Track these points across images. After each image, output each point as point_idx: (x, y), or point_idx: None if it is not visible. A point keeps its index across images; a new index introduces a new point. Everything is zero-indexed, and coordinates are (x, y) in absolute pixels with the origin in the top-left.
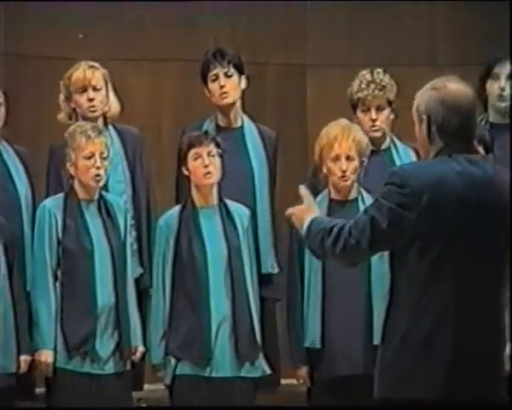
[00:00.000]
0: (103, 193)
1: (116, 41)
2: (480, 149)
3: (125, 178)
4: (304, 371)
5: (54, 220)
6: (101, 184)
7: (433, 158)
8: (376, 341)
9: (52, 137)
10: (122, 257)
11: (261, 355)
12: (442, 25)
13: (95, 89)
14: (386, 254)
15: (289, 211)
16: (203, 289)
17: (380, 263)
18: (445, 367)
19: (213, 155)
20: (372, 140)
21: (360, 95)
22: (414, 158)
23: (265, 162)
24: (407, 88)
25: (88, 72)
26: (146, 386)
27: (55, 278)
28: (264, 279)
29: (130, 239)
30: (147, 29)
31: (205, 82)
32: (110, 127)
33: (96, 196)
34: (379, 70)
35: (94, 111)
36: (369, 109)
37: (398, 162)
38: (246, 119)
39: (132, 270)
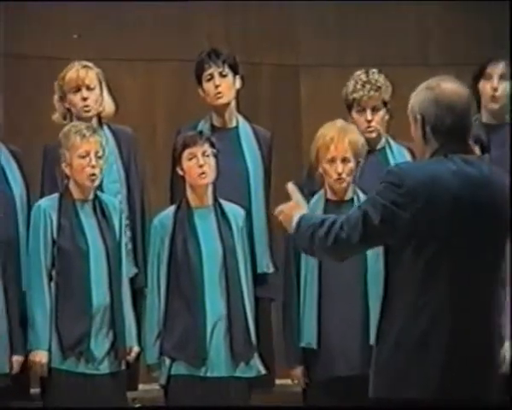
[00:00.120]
0: (98, 193)
1: (111, 41)
2: (477, 149)
3: (120, 178)
4: (299, 371)
5: (49, 220)
6: (97, 183)
7: (429, 158)
8: (372, 341)
9: (52, 137)
10: (117, 257)
11: (256, 355)
12: (435, 24)
13: (88, 88)
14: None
15: (278, 209)
16: (198, 289)
17: (376, 262)
18: (440, 367)
19: (208, 155)
20: (367, 140)
21: (355, 95)
22: (408, 158)
23: (260, 162)
24: (401, 88)
25: (81, 71)
26: (141, 386)
27: (50, 278)
28: (259, 279)
29: (125, 239)
30: (141, 29)
31: (199, 82)
32: (105, 127)
33: (91, 196)
34: (374, 70)
35: (88, 111)
36: (364, 110)
37: (392, 162)
38: (240, 119)
39: (127, 270)
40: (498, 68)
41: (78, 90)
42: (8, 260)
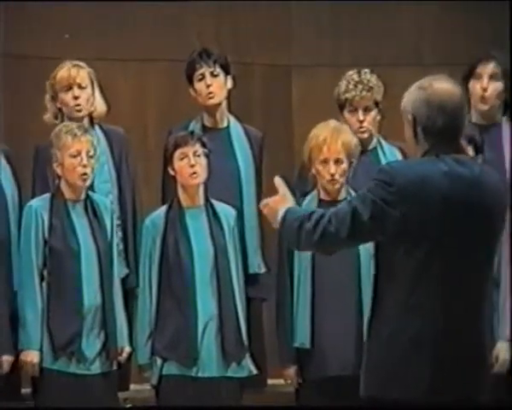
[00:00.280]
0: (90, 193)
1: (103, 41)
2: (470, 150)
3: (111, 178)
4: (292, 371)
5: (40, 220)
6: (88, 183)
7: (421, 158)
8: None
9: None
10: (108, 257)
11: (247, 355)
12: (428, 24)
13: (80, 87)
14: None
15: (264, 202)
16: (189, 289)
17: (370, 262)
18: (431, 367)
19: (199, 155)
20: (359, 140)
21: (347, 95)
22: (400, 157)
23: (251, 162)
24: (394, 88)
25: (73, 70)
26: (132, 386)
27: (42, 278)
28: (250, 279)
29: (117, 239)
30: (132, 29)
31: (190, 82)
32: (96, 127)
33: (83, 196)
34: (366, 70)
35: (79, 110)
36: (356, 110)
37: (384, 162)
38: (232, 119)
39: (118, 270)
40: (488, 68)
41: (69, 88)
42: (0, 260)
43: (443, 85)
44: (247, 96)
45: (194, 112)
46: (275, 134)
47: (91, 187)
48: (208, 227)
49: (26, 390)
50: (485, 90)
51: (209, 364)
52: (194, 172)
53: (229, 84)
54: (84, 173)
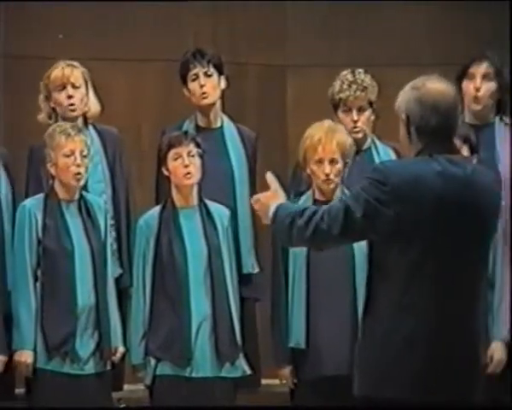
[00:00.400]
0: (83, 193)
1: (97, 41)
2: (466, 149)
3: (105, 178)
4: (287, 371)
5: (34, 220)
6: (82, 183)
7: (415, 157)
8: None
9: None
10: (102, 257)
11: (241, 355)
12: (423, 24)
13: (74, 86)
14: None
15: (255, 197)
16: (183, 289)
17: (364, 261)
18: (425, 367)
19: (193, 156)
20: (353, 140)
21: (342, 95)
22: (394, 157)
23: (245, 163)
24: (388, 88)
25: (66, 69)
26: (126, 386)
27: (35, 278)
28: (244, 279)
29: (110, 239)
30: (127, 29)
31: (184, 82)
32: (90, 127)
33: (77, 196)
34: (360, 70)
35: (73, 110)
36: (350, 110)
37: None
38: (225, 119)
39: (112, 270)
40: (481, 68)
41: (63, 88)
42: None
43: (436, 85)
44: (242, 97)
45: (188, 112)
46: (269, 134)
47: (85, 187)
48: (202, 227)
49: (19, 390)
50: (478, 90)
51: (203, 364)
52: (189, 173)
53: (223, 84)
54: (78, 173)
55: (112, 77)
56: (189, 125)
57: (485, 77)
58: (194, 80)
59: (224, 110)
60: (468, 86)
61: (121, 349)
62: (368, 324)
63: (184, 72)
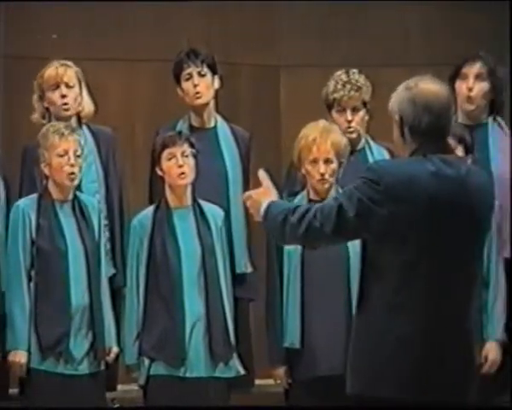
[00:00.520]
0: (77, 193)
1: (91, 41)
2: (461, 149)
3: (99, 177)
4: (282, 371)
5: (28, 220)
6: (76, 182)
7: (409, 157)
8: None
9: None
10: (96, 257)
11: (235, 356)
12: (418, 25)
13: (67, 86)
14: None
15: (246, 194)
16: (177, 289)
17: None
18: (419, 366)
19: (187, 156)
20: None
21: (336, 95)
22: (388, 158)
23: (239, 163)
24: (382, 88)
25: (60, 69)
26: (120, 386)
27: (29, 279)
28: (237, 279)
29: (104, 239)
30: (121, 29)
31: (178, 81)
32: (84, 127)
33: (70, 197)
34: (354, 71)
35: (67, 109)
36: (344, 110)
37: None
38: (219, 119)
39: (106, 270)
40: (474, 68)
41: (56, 87)
42: None
43: (429, 85)
44: (235, 97)
45: (181, 112)
46: (262, 134)
47: (79, 187)
48: (196, 227)
49: (13, 391)
50: (470, 90)
51: (197, 364)
52: (183, 173)
53: (217, 84)
54: (72, 173)
55: (106, 77)
56: (182, 125)
57: (478, 77)
58: (187, 80)
59: (217, 110)
60: (461, 86)
61: (115, 349)
62: (361, 323)
63: (178, 71)
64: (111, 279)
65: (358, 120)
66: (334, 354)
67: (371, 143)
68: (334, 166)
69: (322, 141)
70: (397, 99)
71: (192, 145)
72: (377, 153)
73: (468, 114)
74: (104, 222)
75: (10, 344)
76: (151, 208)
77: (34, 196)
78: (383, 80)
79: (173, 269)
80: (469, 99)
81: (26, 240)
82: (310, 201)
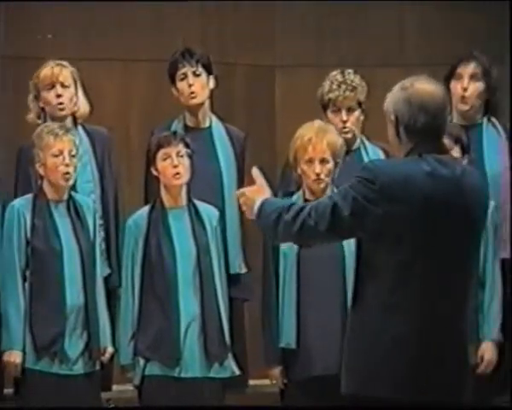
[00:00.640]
0: (72, 193)
1: (85, 41)
2: (457, 150)
3: (94, 177)
4: (277, 371)
5: (22, 220)
6: (71, 182)
7: (404, 157)
8: None
9: None
10: (91, 257)
11: (230, 356)
12: (413, 25)
13: (63, 85)
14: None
15: (240, 191)
16: (172, 289)
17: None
18: (414, 366)
19: (182, 156)
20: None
21: (331, 95)
22: (383, 158)
23: (234, 163)
24: (377, 88)
25: (56, 68)
26: (115, 387)
27: (24, 279)
28: (232, 279)
29: (99, 239)
30: (117, 30)
31: (173, 81)
32: (79, 127)
33: (65, 197)
34: (349, 71)
35: (62, 109)
36: (339, 110)
37: None
38: (214, 119)
39: (101, 270)
40: (469, 68)
41: (52, 87)
42: None
43: (424, 85)
44: (230, 97)
45: (177, 112)
46: (258, 134)
47: (74, 187)
48: (191, 227)
49: (8, 391)
50: (465, 90)
51: (192, 364)
52: (178, 173)
53: (212, 83)
54: (67, 173)
55: (101, 77)
56: (177, 125)
57: (472, 77)
58: (182, 80)
59: (212, 110)
60: (456, 86)
61: (110, 349)
62: (356, 323)
63: (173, 71)
64: (106, 279)
65: (354, 120)
66: (330, 355)
67: (366, 143)
68: (329, 166)
69: (317, 141)
70: (392, 99)
71: (187, 145)
72: (372, 153)
73: (463, 114)
74: (99, 222)
75: (5, 344)
76: (146, 208)
77: (29, 196)
78: (378, 80)
79: (168, 269)
80: (464, 99)
81: (21, 240)
82: (305, 201)
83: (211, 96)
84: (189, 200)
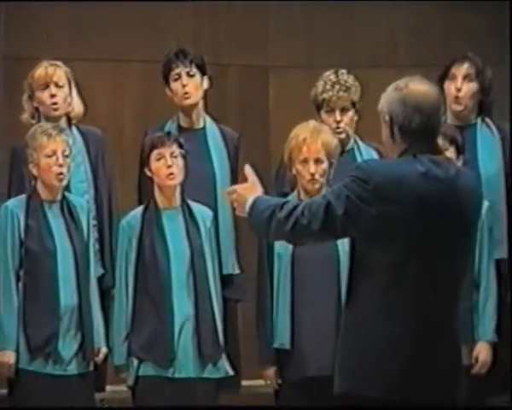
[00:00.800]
0: (66, 194)
1: (78, 42)
2: (452, 150)
3: (88, 178)
4: (272, 371)
5: (16, 221)
6: (64, 183)
7: (398, 157)
8: None
9: None
10: (85, 258)
11: (224, 356)
12: (407, 25)
13: (57, 85)
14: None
15: (231, 188)
16: (166, 289)
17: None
18: (408, 367)
19: (176, 156)
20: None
21: (325, 96)
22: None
23: (227, 163)
24: (369, 89)
25: (50, 68)
26: (108, 387)
27: (18, 279)
28: (225, 280)
29: (93, 240)
30: (109, 30)
31: (167, 82)
32: (73, 128)
33: (59, 197)
34: (343, 71)
35: (56, 109)
36: (333, 111)
37: None
38: (208, 119)
39: (95, 270)
40: (463, 69)
41: (46, 87)
42: None
43: (419, 86)
44: (223, 97)
45: (170, 113)
46: (251, 135)
47: (67, 187)
48: (185, 228)
49: (2, 391)
50: (459, 90)
51: (185, 364)
52: (171, 173)
53: (206, 84)
54: (60, 173)
55: (94, 77)
56: (171, 126)
57: (466, 77)
58: (176, 80)
59: (206, 111)
60: (450, 87)
61: (104, 350)
62: (350, 323)
63: (167, 71)
64: (100, 280)
65: (347, 120)
66: (324, 355)
67: (360, 143)
68: (324, 166)
69: (312, 141)
70: (387, 100)
71: (181, 146)
72: (366, 153)
73: (457, 115)
74: (93, 222)
75: None
76: (140, 209)
77: (23, 196)
78: (372, 81)
79: (162, 270)
80: (458, 99)
81: (14, 241)
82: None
83: (205, 97)
84: (183, 200)
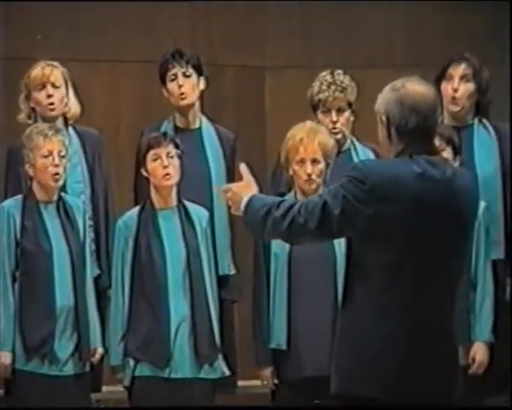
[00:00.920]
0: (62, 194)
1: (74, 42)
2: (449, 151)
3: (84, 178)
4: (268, 372)
5: (12, 221)
6: (60, 183)
7: (395, 158)
8: None
9: None
10: (81, 258)
11: (220, 356)
12: (401, 25)
13: (53, 85)
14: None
15: (226, 186)
16: (162, 290)
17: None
18: (404, 367)
19: (172, 157)
20: None
21: (321, 96)
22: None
23: (223, 164)
24: (366, 89)
25: (46, 69)
26: (105, 388)
27: (14, 280)
28: (221, 281)
29: (89, 240)
30: (106, 30)
31: (163, 82)
32: (70, 128)
33: (55, 198)
34: (339, 71)
35: (53, 109)
36: (329, 111)
37: None
38: (204, 120)
39: (91, 271)
40: (459, 69)
41: (43, 87)
42: None
43: (416, 86)
44: (220, 98)
45: (166, 113)
46: (247, 135)
47: (64, 187)
48: (181, 228)
49: None
50: (455, 91)
51: (182, 365)
52: (168, 174)
53: (202, 84)
54: (56, 173)
55: (90, 78)
56: (167, 126)
57: (463, 78)
58: (172, 80)
59: (202, 111)
60: (447, 87)
61: (100, 350)
62: (346, 323)
63: (163, 72)
64: (96, 280)
65: (343, 120)
66: (321, 355)
67: (356, 143)
68: (321, 166)
69: (309, 141)
70: (383, 100)
71: (177, 146)
72: (362, 154)
73: (454, 115)
74: (89, 223)
75: None
76: (136, 209)
77: (19, 197)
78: (369, 81)
79: (158, 270)
80: (455, 100)
81: (10, 241)
82: None
83: (201, 97)
84: (179, 201)
